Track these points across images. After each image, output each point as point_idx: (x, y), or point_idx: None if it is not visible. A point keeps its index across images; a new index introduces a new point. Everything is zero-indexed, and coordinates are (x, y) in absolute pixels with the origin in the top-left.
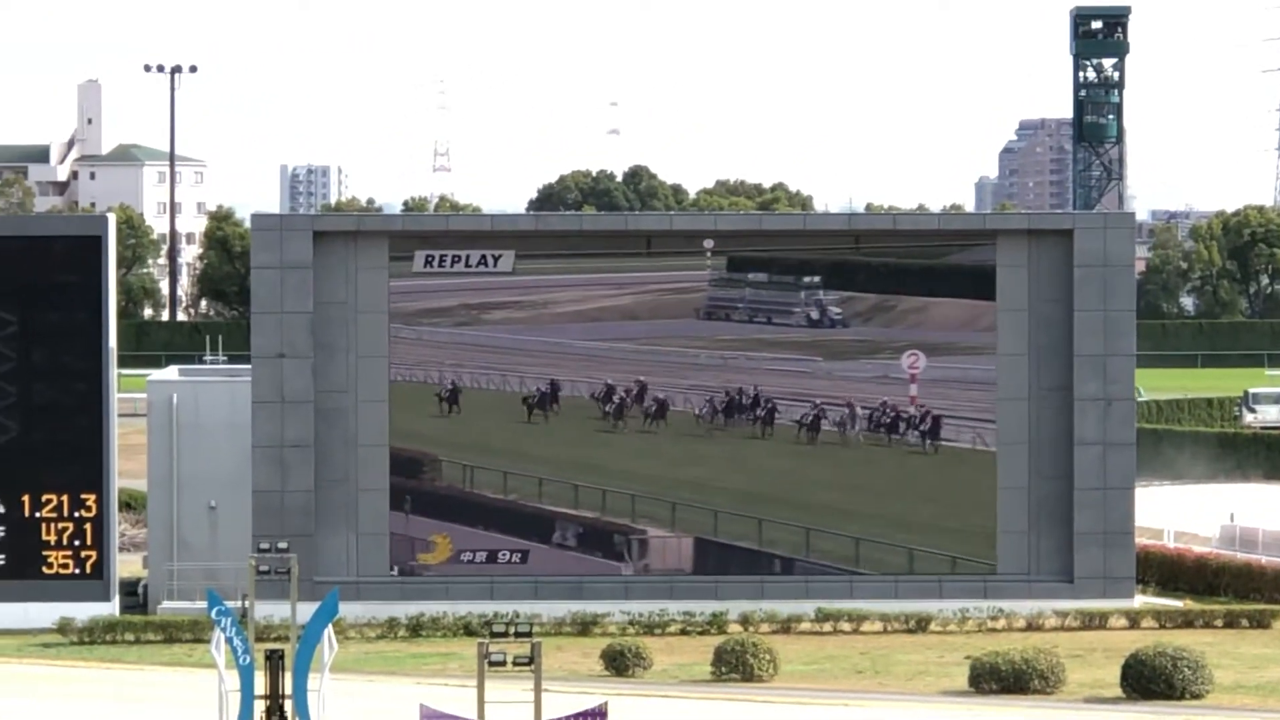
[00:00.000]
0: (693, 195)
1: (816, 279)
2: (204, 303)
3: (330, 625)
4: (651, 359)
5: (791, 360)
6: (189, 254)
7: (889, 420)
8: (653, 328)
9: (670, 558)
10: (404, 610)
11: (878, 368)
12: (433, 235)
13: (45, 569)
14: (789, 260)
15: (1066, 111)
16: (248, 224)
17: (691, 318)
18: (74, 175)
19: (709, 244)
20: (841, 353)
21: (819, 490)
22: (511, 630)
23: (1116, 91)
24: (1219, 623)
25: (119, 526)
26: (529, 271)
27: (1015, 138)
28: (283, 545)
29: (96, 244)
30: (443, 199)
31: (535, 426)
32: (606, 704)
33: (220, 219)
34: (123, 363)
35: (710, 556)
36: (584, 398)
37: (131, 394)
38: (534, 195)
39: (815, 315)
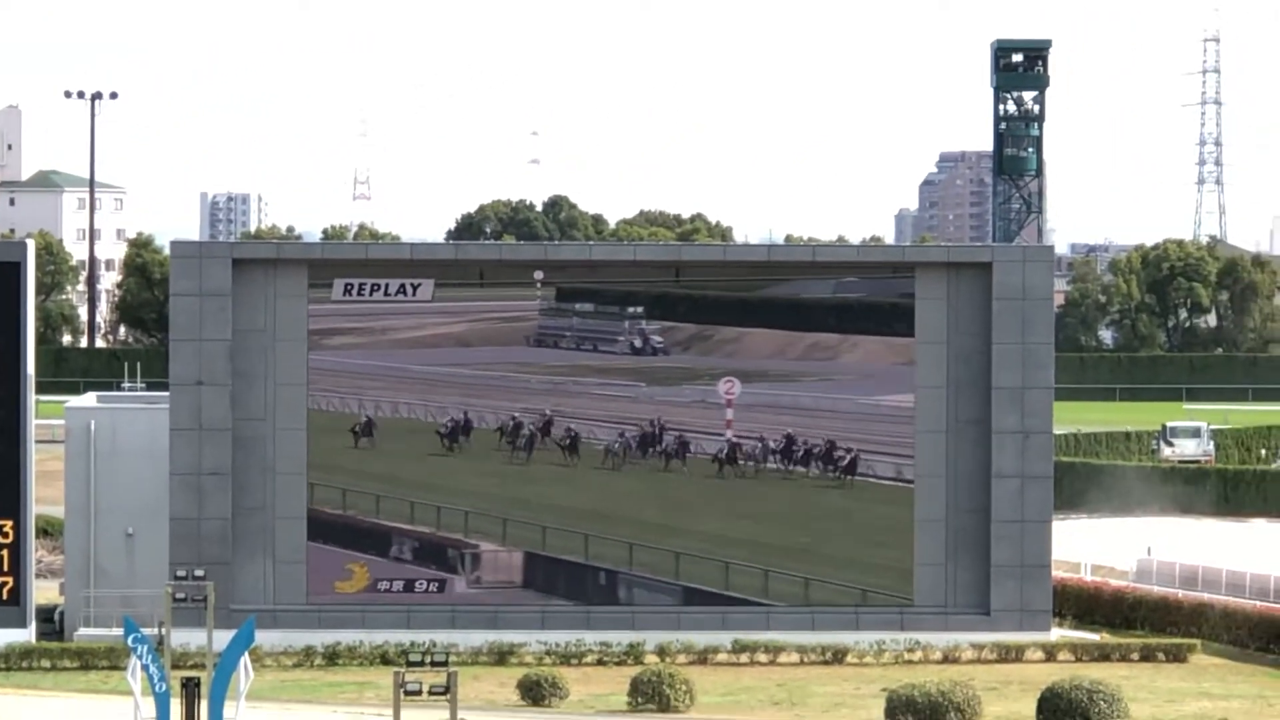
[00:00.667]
0: (613, 225)
1: (639, 309)
2: (123, 329)
3: (246, 653)
4: (483, 383)
5: (616, 385)
6: (108, 281)
7: (800, 453)
8: (481, 354)
9: (580, 588)
10: (320, 639)
11: (696, 393)
12: (352, 264)
13: None
14: (614, 291)
15: (987, 144)
16: (167, 251)
17: (521, 344)
18: None
19: (539, 275)
20: (663, 379)
21: (735, 521)
22: (428, 659)
23: (1036, 125)
24: (1135, 656)
25: (36, 553)
26: (445, 297)
27: (936, 170)
28: (199, 573)
29: (15, 270)
30: (362, 227)
31: (448, 458)
32: None
33: (140, 246)
34: (40, 389)
35: (622, 587)
36: (490, 430)
37: (49, 420)
38: (453, 225)
39: (638, 343)
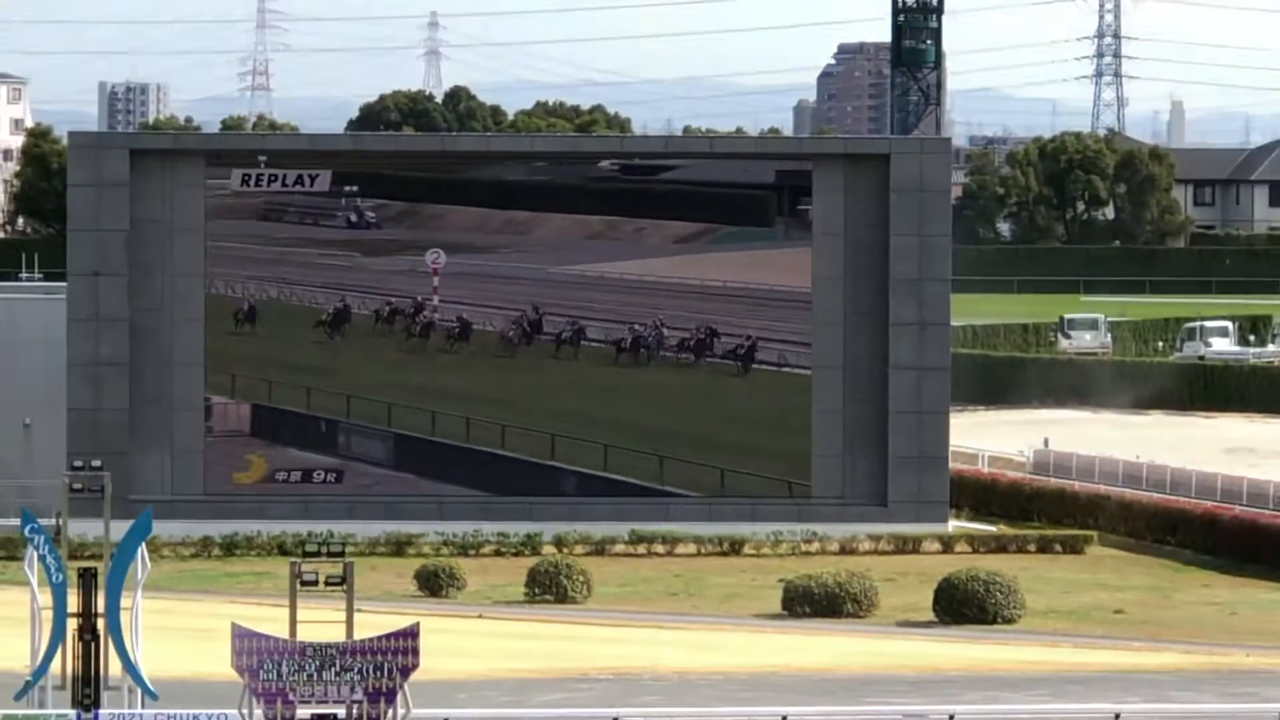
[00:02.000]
0: (511, 116)
1: (355, 188)
2: (20, 220)
3: (144, 544)
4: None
5: (335, 255)
6: (6, 171)
7: (697, 342)
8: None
9: (483, 477)
10: (218, 529)
11: (406, 263)
12: (249, 154)
13: None
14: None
15: (885, 36)
16: (66, 141)
17: (253, 218)
18: None
19: (263, 159)
20: (376, 250)
21: (631, 411)
22: (324, 550)
23: (935, 16)
24: (1032, 548)
25: None
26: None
27: (834, 62)
28: (97, 463)
29: None
30: (260, 118)
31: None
32: (418, 624)
33: (38, 136)
34: None
35: (522, 477)
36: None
37: None
38: (354, 115)
39: (354, 218)
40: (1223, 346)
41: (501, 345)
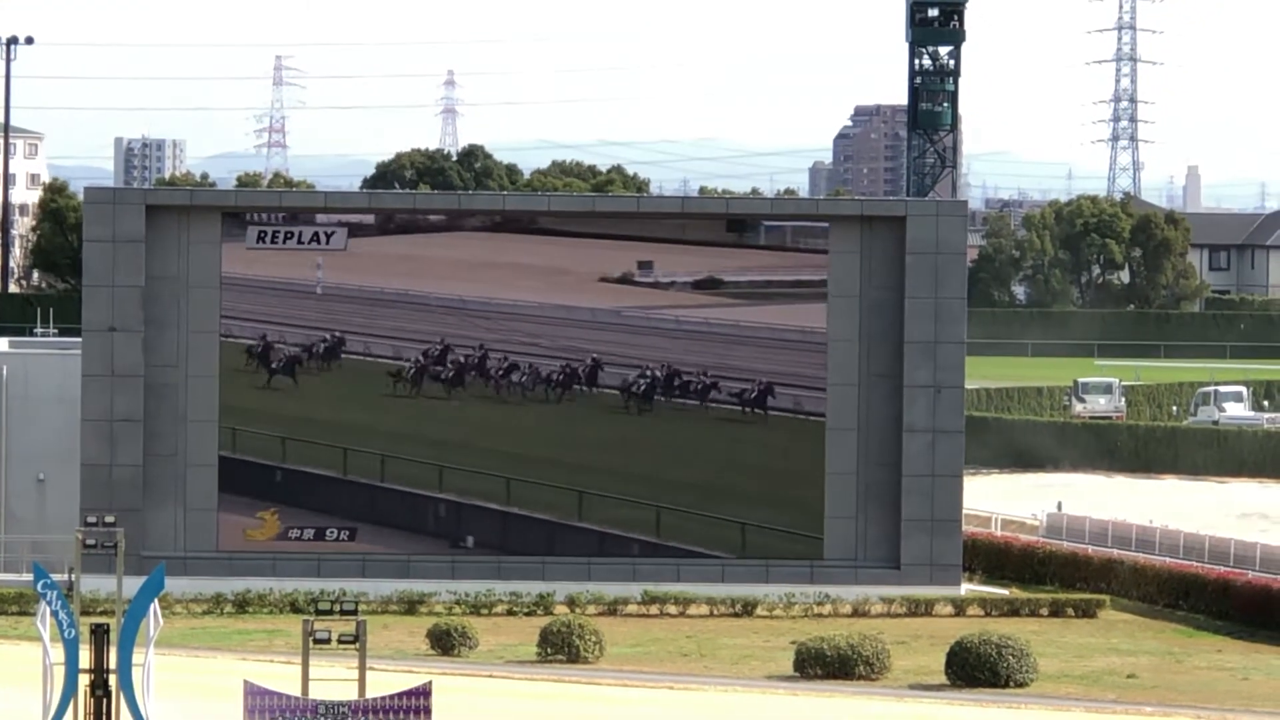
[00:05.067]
0: (527, 175)
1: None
2: (36, 275)
3: (156, 600)
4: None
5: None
6: (22, 226)
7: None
8: None
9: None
10: (230, 586)
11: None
12: (265, 211)
13: None
14: None
15: (902, 98)
16: (81, 197)
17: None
18: None
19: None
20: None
21: (641, 462)
22: (337, 608)
23: (952, 80)
24: (1045, 611)
25: None
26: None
27: (850, 123)
28: (110, 519)
29: None
30: (276, 175)
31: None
32: (431, 683)
33: (54, 191)
34: None
35: (535, 534)
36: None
37: None
38: (370, 173)
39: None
40: (1237, 411)
41: (506, 388)
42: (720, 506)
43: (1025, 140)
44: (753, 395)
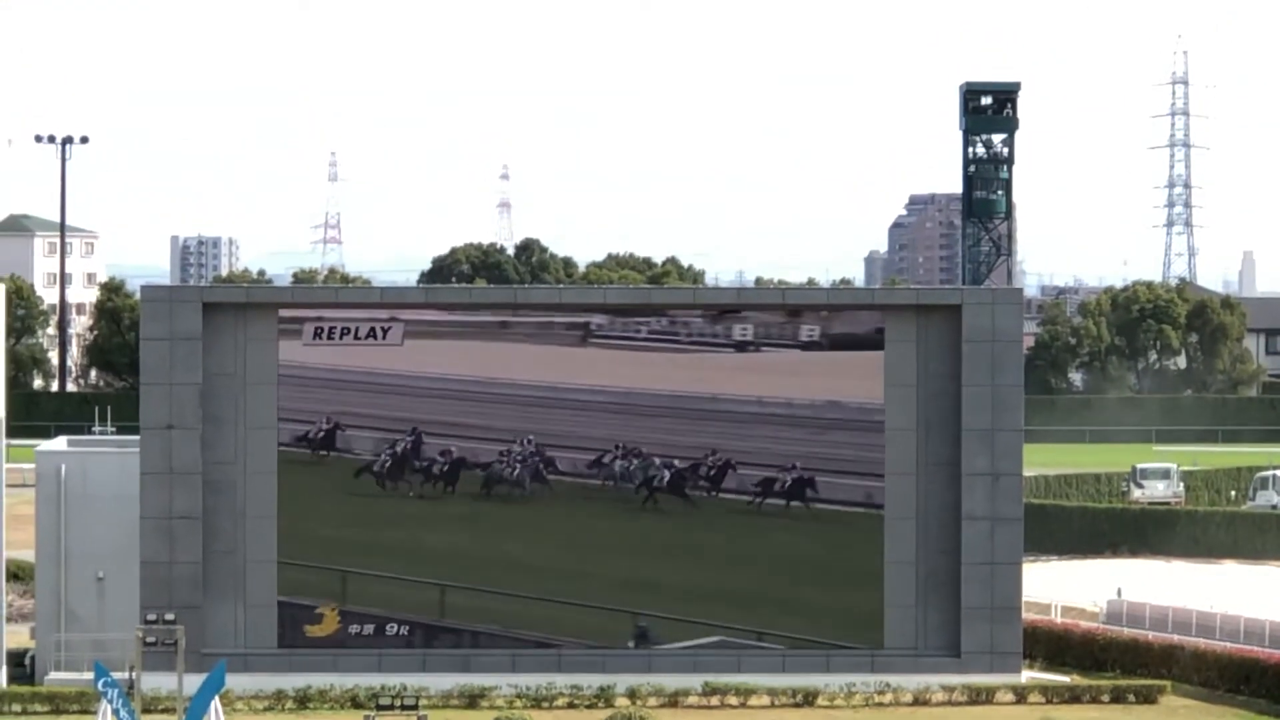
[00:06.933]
0: (583, 269)
1: None
2: (93, 373)
3: (217, 697)
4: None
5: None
6: (79, 324)
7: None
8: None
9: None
10: (291, 682)
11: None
12: (322, 307)
13: None
14: None
15: (956, 187)
16: (138, 295)
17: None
18: None
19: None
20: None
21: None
22: (398, 703)
23: (1006, 167)
24: (1106, 698)
25: (7, 597)
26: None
27: (905, 212)
28: (170, 617)
29: None
30: (332, 271)
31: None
32: None
33: (111, 290)
34: (11, 433)
35: (592, 627)
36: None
37: (20, 464)
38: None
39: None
40: None
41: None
42: (778, 615)
43: (1080, 225)
44: (784, 486)
